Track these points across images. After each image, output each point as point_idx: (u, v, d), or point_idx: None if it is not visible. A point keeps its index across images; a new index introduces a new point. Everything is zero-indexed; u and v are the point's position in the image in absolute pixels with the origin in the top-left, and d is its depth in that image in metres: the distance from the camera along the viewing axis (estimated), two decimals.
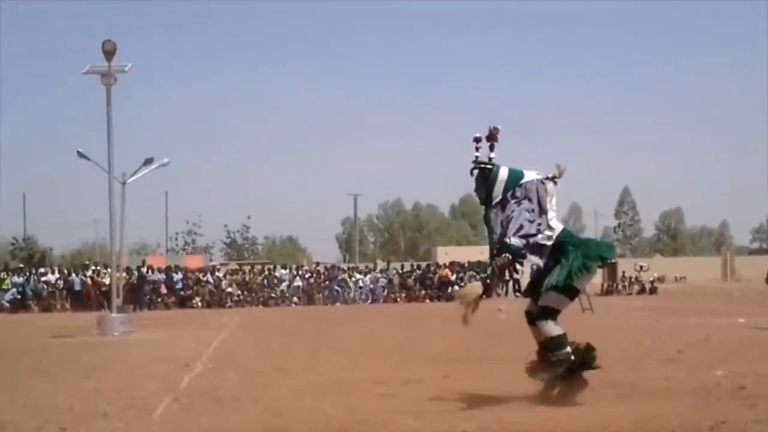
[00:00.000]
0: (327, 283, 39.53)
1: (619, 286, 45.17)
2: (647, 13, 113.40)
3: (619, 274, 46.52)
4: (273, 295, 38.92)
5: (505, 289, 9.15)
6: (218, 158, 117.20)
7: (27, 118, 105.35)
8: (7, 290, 36.68)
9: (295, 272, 40.64)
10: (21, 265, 45.12)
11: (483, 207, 7.67)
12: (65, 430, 7.03)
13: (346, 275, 40.57)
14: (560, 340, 7.32)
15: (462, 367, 10.57)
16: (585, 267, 7.30)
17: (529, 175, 7.59)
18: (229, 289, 38.84)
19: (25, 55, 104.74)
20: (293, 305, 37.88)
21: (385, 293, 39.81)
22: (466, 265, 41.61)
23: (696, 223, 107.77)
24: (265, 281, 39.64)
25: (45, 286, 37.31)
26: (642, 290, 44.18)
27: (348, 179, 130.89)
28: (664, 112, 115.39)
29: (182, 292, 37.76)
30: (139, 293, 35.71)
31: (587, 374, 7.50)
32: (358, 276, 40.55)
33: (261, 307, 37.24)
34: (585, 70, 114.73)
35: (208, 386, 9.37)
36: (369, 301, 38.92)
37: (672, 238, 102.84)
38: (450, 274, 40.66)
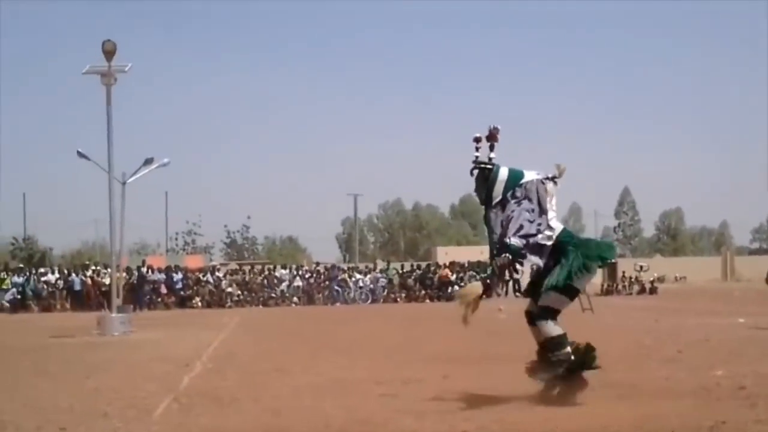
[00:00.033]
0: (327, 283, 39.53)
1: (619, 286, 45.17)
2: (647, 13, 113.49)
3: (619, 274, 46.53)
4: (273, 295, 38.93)
5: (505, 289, 9.14)
6: (218, 158, 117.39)
7: (27, 118, 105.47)
8: (7, 290, 36.68)
9: (295, 272, 40.65)
10: (21, 265, 45.13)
11: (483, 207, 7.67)
12: (65, 430, 7.03)
13: (346, 275, 40.57)
14: (560, 340, 7.32)
15: (462, 367, 10.57)
16: (585, 267, 7.30)
17: (529, 175, 7.59)
18: (229, 289, 38.84)
19: (25, 55, 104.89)
20: (293, 305, 37.88)
21: (385, 293, 39.81)
22: (466, 265, 41.61)
23: (696, 223, 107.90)
24: (265, 281, 39.65)
25: (45, 286, 37.31)
26: (642, 290, 44.18)
27: (348, 179, 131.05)
28: (664, 113, 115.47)
29: (182, 292, 37.77)
30: (139, 293, 35.71)
31: (587, 374, 7.50)
32: (358, 276, 40.56)
33: (261, 307, 37.24)
34: (585, 70, 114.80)
35: (208, 386, 9.37)
36: (369, 301, 38.92)
37: (672, 238, 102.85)
38: (450, 274, 40.66)
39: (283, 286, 39.36)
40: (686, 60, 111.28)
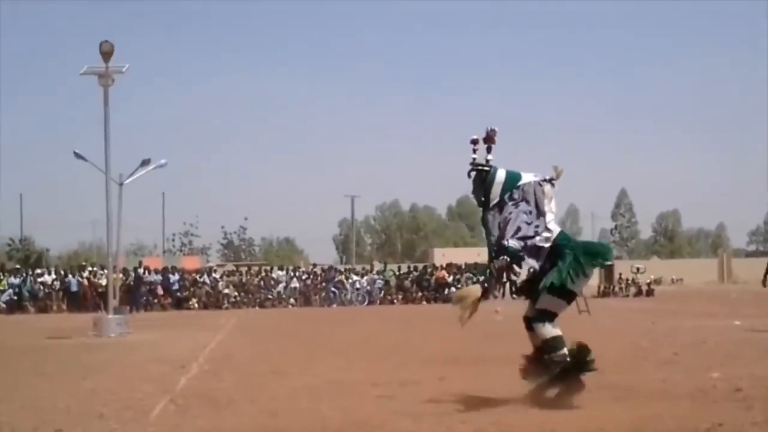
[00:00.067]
0: (324, 284, 39.53)
1: (616, 288, 45.17)
2: (646, 14, 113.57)
3: (616, 276, 46.54)
4: (270, 296, 38.93)
5: (502, 291, 9.15)
6: (215, 159, 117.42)
7: (24, 119, 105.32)
8: (3, 291, 36.65)
9: (292, 274, 40.66)
10: (18, 266, 45.07)
11: (480, 209, 7.68)
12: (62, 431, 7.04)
13: (342, 277, 40.57)
14: (555, 343, 7.31)
15: (459, 369, 10.57)
16: (581, 270, 7.30)
17: (527, 177, 7.58)
18: (226, 291, 38.84)
19: (22, 56, 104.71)
20: (290, 307, 37.87)
21: (382, 295, 39.80)
22: (463, 266, 41.64)
23: (693, 225, 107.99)
24: (262, 283, 39.64)
25: (41, 287, 37.28)
26: (639, 292, 44.17)
27: (345, 181, 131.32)
28: (661, 114, 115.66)
29: (179, 294, 37.76)
30: (136, 294, 35.69)
31: (584, 376, 7.49)
32: (355, 277, 40.56)
33: (258, 308, 37.23)
34: (581, 72, 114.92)
35: (204, 388, 9.37)
36: (366, 302, 38.92)
37: (669, 240, 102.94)
38: (447, 275, 40.66)
39: (280, 287, 39.35)
40: (685, 61, 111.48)
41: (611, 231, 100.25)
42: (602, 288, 43.80)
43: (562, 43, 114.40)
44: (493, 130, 7.65)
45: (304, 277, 40.23)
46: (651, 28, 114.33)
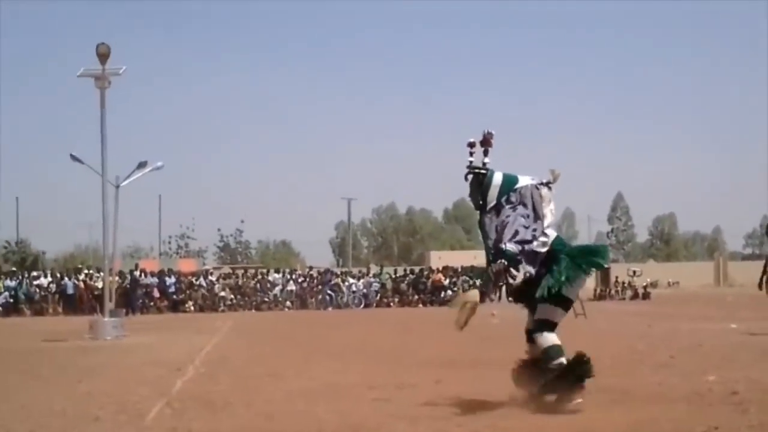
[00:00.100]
0: (320, 287, 39.53)
1: (612, 291, 45.25)
2: (644, 15, 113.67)
3: (612, 279, 46.62)
4: (266, 299, 38.94)
5: (498, 294, 9.15)
6: (212, 162, 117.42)
7: (21, 121, 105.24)
8: None
9: (288, 276, 40.67)
10: (13, 269, 44.98)
11: (477, 212, 7.67)
12: None
13: (339, 280, 40.58)
14: (552, 352, 7.25)
15: (455, 372, 10.56)
16: (576, 274, 7.30)
17: (524, 180, 7.58)
18: (222, 293, 38.85)
19: (19, 58, 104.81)
20: (286, 309, 37.88)
21: (378, 298, 39.83)
22: (460, 269, 41.69)
23: (689, 228, 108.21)
24: (259, 285, 39.66)
25: (37, 290, 37.26)
26: (635, 295, 44.26)
27: (342, 183, 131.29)
28: (658, 118, 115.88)
29: (175, 296, 37.76)
30: (132, 297, 35.68)
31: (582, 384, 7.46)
32: (351, 280, 40.58)
33: (254, 311, 37.27)
34: (578, 75, 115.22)
35: (200, 391, 9.35)
36: (362, 305, 38.93)
37: (665, 244, 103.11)
38: (443, 278, 40.69)
39: (277, 290, 39.37)
40: (682, 63, 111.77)
41: (607, 234, 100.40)
42: (598, 291, 43.89)
43: (559, 44, 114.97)
44: (490, 133, 7.65)
45: (300, 280, 40.25)
46: (648, 31, 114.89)
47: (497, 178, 7.55)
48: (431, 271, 43.10)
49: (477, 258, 39.61)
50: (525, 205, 7.43)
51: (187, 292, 38.31)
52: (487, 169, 7.59)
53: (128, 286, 36.17)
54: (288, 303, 38.80)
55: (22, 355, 14.78)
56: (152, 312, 35.99)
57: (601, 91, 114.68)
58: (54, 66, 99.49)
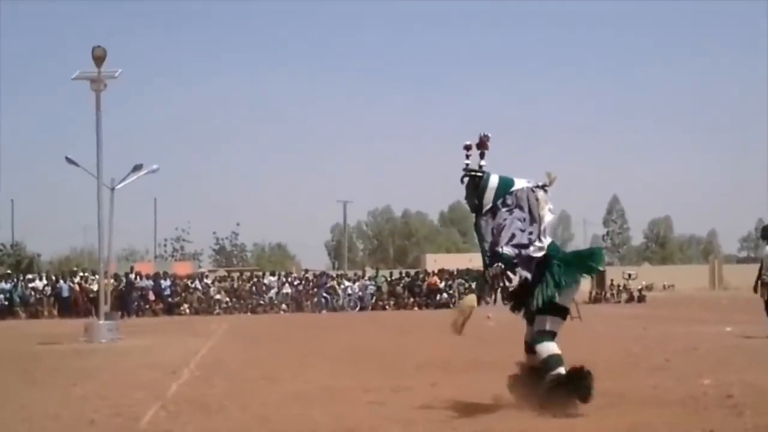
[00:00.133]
0: (316, 290, 39.50)
1: (608, 294, 45.29)
2: (642, 16, 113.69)
3: (608, 282, 46.67)
4: (261, 302, 38.91)
5: (494, 297, 9.16)
6: (207, 165, 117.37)
7: (16, 124, 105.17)
8: None
9: (283, 279, 40.65)
10: (9, 272, 44.96)
11: (473, 215, 7.68)
12: None
13: (334, 282, 40.56)
14: (552, 361, 7.21)
15: (451, 375, 10.57)
16: (569, 283, 7.30)
17: (520, 183, 7.58)
18: (218, 296, 38.81)
19: (15, 59, 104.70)
20: (282, 312, 37.86)
21: (374, 300, 39.81)
22: (455, 272, 41.67)
23: (684, 231, 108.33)
24: (254, 288, 39.63)
25: (32, 293, 37.20)
26: (630, 298, 44.30)
27: (337, 186, 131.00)
28: (654, 121, 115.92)
29: (170, 299, 37.72)
30: (127, 300, 35.62)
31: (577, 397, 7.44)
32: (346, 283, 40.56)
33: (249, 314, 37.21)
34: (574, 77, 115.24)
35: (195, 393, 9.34)
36: (357, 308, 38.91)
37: (660, 247, 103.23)
38: (439, 281, 40.69)
39: (272, 293, 39.35)
40: (679, 65, 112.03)
41: (603, 237, 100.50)
42: (594, 294, 43.91)
43: (555, 46, 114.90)
44: (486, 136, 7.65)
45: (295, 283, 40.24)
46: (646, 32, 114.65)
47: (493, 181, 7.55)
48: (427, 273, 43.08)
49: (472, 261, 39.59)
50: (521, 208, 7.43)
51: (183, 294, 38.27)
52: (483, 172, 7.59)
53: (123, 288, 36.09)
54: (283, 306, 38.78)
55: (16, 358, 14.75)
56: (147, 315, 35.93)
57: (597, 94, 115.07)
58: (50, 68, 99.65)
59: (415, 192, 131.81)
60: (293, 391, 9.46)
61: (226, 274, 45.81)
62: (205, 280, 40.15)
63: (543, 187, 7.58)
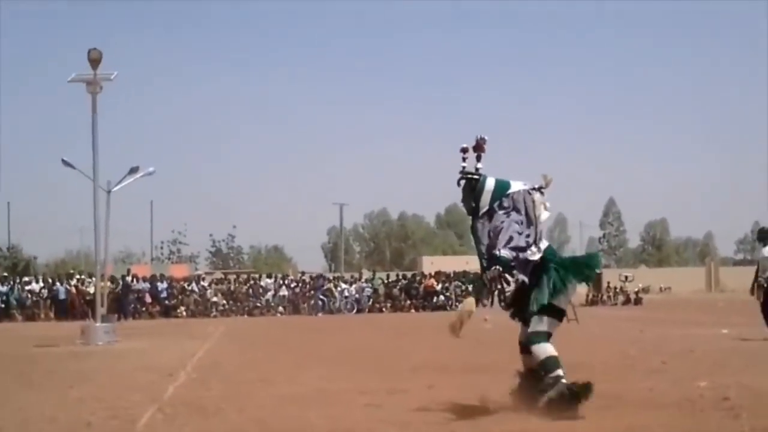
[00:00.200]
0: (312, 292, 39.49)
1: (604, 297, 45.26)
2: (640, 17, 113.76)
3: (604, 285, 46.66)
4: (258, 304, 38.89)
5: (491, 299, 9.17)
6: (203, 167, 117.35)
7: (13, 125, 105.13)
8: None
9: (280, 282, 40.63)
10: (5, 274, 44.87)
11: (470, 217, 7.69)
12: None
13: (331, 285, 40.55)
14: (550, 363, 7.21)
15: (447, 377, 10.56)
16: (566, 287, 7.31)
17: (516, 186, 7.59)
18: (215, 299, 38.78)
19: (12, 61, 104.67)
20: (278, 315, 37.84)
21: (371, 303, 39.80)
22: (452, 274, 41.67)
23: (681, 233, 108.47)
24: (251, 291, 39.60)
25: (29, 295, 37.16)
26: (627, 301, 44.28)
27: (334, 189, 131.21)
28: (651, 123, 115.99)
29: (167, 302, 37.69)
30: (124, 302, 35.61)
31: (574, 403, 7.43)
32: (343, 285, 40.55)
33: (246, 316, 37.19)
34: (572, 80, 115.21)
35: (192, 396, 9.34)
36: (354, 310, 38.89)
37: (657, 249, 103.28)
38: (435, 283, 40.69)
39: (269, 295, 39.32)
40: (676, 67, 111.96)
41: (599, 240, 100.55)
42: (590, 296, 43.87)
43: (553, 48, 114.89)
44: (482, 139, 7.66)
45: (292, 285, 40.22)
46: (645, 33, 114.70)
47: (490, 184, 7.56)
48: (423, 276, 43.10)
49: (469, 263, 39.63)
50: (518, 211, 7.43)
51: (179, 297, 38.25)
52: (479, 175, 7.59)
53: (120, 291, 36.09)
54: (280, 308, 38.75)
55: (13, 361, 14.73)
56: (144, 317, 35.92)
57: (593, 96, 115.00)
58: (46, 69, 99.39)
59: (412, 194, 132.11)
60: (290, 393, 9.46)
61: (223, 276, 45.79)
62: (202, 283, 40.12)
63: (539, 190, 7.59)
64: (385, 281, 41.72)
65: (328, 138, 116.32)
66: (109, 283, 33.33)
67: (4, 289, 36.99)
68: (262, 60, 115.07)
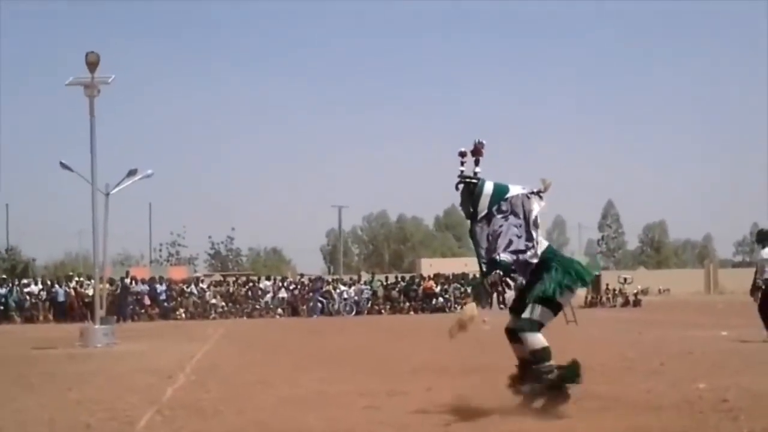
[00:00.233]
0: (311, 294, 39.48)
1: (603, 299, 45.26)
2: (638, 18, 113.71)
3: (603, 287, 46.65)
4: (257, 306, 38.89)
5: (490, 301, 9.18)
6: (202, 170, 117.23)
7: (11, 128, 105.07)
8: None
9: (279, 284, 40.62)
10: (4, 276, 44.85)
11: (469, 221, 7.70)
12: None
13: (330, 287, 40.54)
14: (543, 354, 7.31)
15: (446, 379, 10.56)
16: (567, 284, 7.33)
17: (515, 190, 7.60)
18: (213, 301, 38.78)
19: (10, 63, 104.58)
20: (277, 317, 37.83)
21: (370, 305, 39.79)
22: (451, 277, 41.68)
23: (679, 235, 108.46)
24: (250, 293, 39.60)
25: (28, 297, 37.16)
26: (626, 303, 44.27)
27: (333, 191, 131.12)
28: (649, 125, 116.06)
29: (166, 304, 37.70)
30: (123, 304, 35.60)
31: (570, 388, 7.49)
32: (342, 288, 40.54)
33: (245, 318, 37.18)
34: (570, 81, 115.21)
35: (191, 398, 9.34)
36: (353, 312, 38.88)
37: (655, 251, 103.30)
38: (434, 286, 40.69)
39: (268, 297, 39.32)
40: (675, 68, 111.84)
41: (598, 242, 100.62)
42: (589, 298, 43.89)
43: (553, 48, 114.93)
44: (480, 143, 7.67)
45: (291, 288, 40.20)
46: (644, 35, 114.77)
47: (488, 188, 7.57)
48: (422, 278, 43.09)
49: (468, 265, 39.62)
50: (516, 215, 7.45)
51: (178, 299, 38.25)
52: (478, 179, 7.61)
53: (119, 293, 36.10)
54: (279, 310, 38.76)
55: (12, 363, 14.73)
56: (143, 319, 35.91)
57: (592, 97, 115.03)
58: (46, 71, 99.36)
59: (411, 197, 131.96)
60: (288, 395, 9.46)
61: (222, 278, 45.77)
62: (201, 285, 40.12)
63: (538, 194, 7.60)
64: (384, 283, 41.71)
65: (326, 140, 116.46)
66: (107, 285, 33.35)
67: (2, 291, 37.00)
68: (261, 61, 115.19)
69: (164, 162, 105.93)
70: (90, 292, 31.82)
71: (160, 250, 79.83)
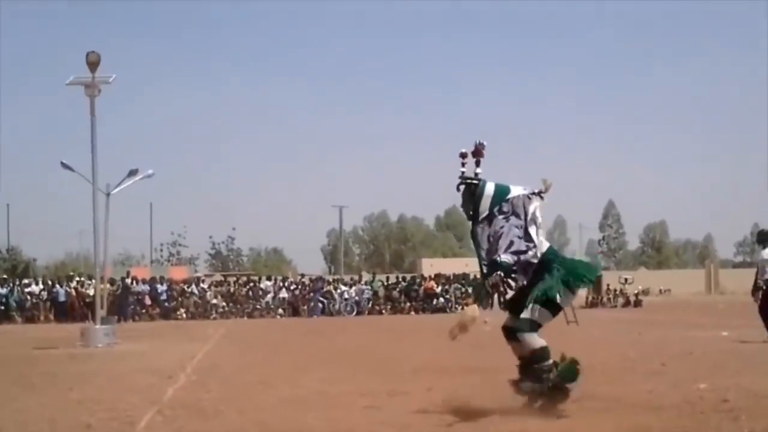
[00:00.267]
0: (312, 294, 39.46)
1: (604, 299, 45.19)
2: (637, 18, 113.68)
3: (604, 287, 46.60)
4: (258, 306, 38.87)
5: (490, 301, 9.17)
6: (203, 170, 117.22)
7: (12, 128, 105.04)
8: None
9: (280, 284, 40.60)
10: (5, 276, 44.86)
11: (470, 222, 7.70)
12: None
13: (331, 287, 40.52)
14: (543, 353, 7.33)
15: (447, 380, 10.57)
16: (568, 285, 7.34)
17: (516, 191, 7.61)
18: (214, 301, 38.77)
19: (11, 63, 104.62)
20: (278, 317, 37.82)
21: (370, 305, 39.76)
22: (452, 277, 41.65)
23: (680, 236, 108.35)
24: (250, 293, 39.58)
25: (29, 297, 37.15)
26: (626, 303, 44.21)
27: (333, 191, 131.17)
28: (649, 125, 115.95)
29: (167, 304, 37.68)
30: (124, 304, 35.59)
31: (570, 387, 7.50)
32: (343, 288, 40.51)
33: (246, 318, 37.17)
34: (570, 81, 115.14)
35: (192, 398, 9.34)
36: (354, 313, 38.86)
37: (656, 251, 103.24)
38: (435, 286, 40.66)
39: (268, 297, 39.29)
40: (675, 69, 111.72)
41: (599, 242, 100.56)
42: (590, 299, 43.83)
43: (553, 48, 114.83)
44: (481, 144, 7.68)
45: (292, 288, 40.19)
46: (644, 35, 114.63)
47: (489, 189, 7.58)
48: (423, 278, 43.06)
49: (469, 265, 39.60)
50: (518, 216, 7.46)
51: (179, 299, 38.24)
52: (479, 180, 7.61)
53: (120, 293, 36.09)
54: (280, 310, 38.74)
55: (13, 363, 14.74)
56: (144, 319, 35.91)
57: (593, 97, 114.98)
58: (46, 71, 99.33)
59: (411, 196, 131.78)
60: (289, 395, 9.46)
61: (223, 278, 45.76)
62: (202, 285, 40.10)
63: (539, 194, 7.60)
64: (385, 283, 41.68)
65: (327, 140, 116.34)
66: (108, 285, 33.35)
67: (3, 291, 36.98)
68: (261, 63, 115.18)
69: (165, 162, 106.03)
70: (91, 292, 31.80)
71: (161, 250, 79.93)
